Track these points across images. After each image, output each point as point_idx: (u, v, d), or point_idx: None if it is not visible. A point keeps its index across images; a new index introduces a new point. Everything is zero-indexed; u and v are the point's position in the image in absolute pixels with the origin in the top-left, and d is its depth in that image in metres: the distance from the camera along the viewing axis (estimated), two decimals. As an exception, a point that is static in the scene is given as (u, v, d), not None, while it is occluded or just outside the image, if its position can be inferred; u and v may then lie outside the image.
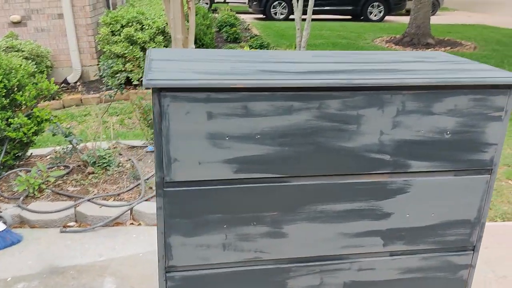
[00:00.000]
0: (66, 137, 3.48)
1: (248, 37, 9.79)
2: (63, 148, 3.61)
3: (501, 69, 1.56)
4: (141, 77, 5.96)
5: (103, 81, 6.82)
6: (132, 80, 6.28)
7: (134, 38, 6.30)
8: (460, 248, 1.66)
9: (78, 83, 6.94)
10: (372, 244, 1.59)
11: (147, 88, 1.27)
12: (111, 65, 3.66)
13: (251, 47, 8.51)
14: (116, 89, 3.58)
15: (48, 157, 3.86)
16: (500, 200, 3.57)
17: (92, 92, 6.72)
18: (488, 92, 1.46)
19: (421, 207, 1.57)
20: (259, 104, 1.34)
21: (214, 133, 1.35)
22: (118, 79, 3.35)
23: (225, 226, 1.46)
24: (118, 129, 4.96)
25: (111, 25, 6.45)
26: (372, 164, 1.48)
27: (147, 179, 3.46)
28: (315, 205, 1.49)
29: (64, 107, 6.16)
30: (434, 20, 12.49)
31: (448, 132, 1.48)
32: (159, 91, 1.28)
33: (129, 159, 3.69)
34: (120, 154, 3.75)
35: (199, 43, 7.90)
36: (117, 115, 5.55)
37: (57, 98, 6.21)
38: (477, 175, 1.56)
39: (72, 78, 6.93)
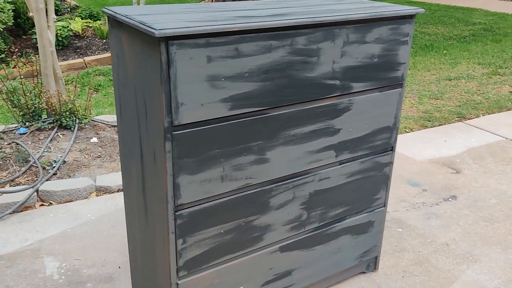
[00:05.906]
0: None
1: (69, 9, 9.15)
2: None
3: (401, 5, 1.99)
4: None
5: None
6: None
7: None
8: (384, 150, 2.12)
9: None
10: (328, 157, 1.93)
11: (157, 37, 1.36)
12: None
13: (82, 17, 8.04)
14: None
15: None
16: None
17: None
18: (399, 22, 1.88)
19: (359, 120, 1.96)
20: (247, 45, 1.53)
21: (212, 75, 1.50)
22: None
23: (222, 159, 1.64)
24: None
25: None
26: (327, 89, 1.80)
27: (39, 158, 3.27)
28: (288, 130, 1.77)
29: None
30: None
31: (375, 57, 1.88)
32: (166, 41, 1.39)
33: (11, 143, 3.40)
34: (1, 138, 3.42)
35: (24, 18, 7.17)
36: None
37: None
38: (394, 89, 2.01)
39: None
